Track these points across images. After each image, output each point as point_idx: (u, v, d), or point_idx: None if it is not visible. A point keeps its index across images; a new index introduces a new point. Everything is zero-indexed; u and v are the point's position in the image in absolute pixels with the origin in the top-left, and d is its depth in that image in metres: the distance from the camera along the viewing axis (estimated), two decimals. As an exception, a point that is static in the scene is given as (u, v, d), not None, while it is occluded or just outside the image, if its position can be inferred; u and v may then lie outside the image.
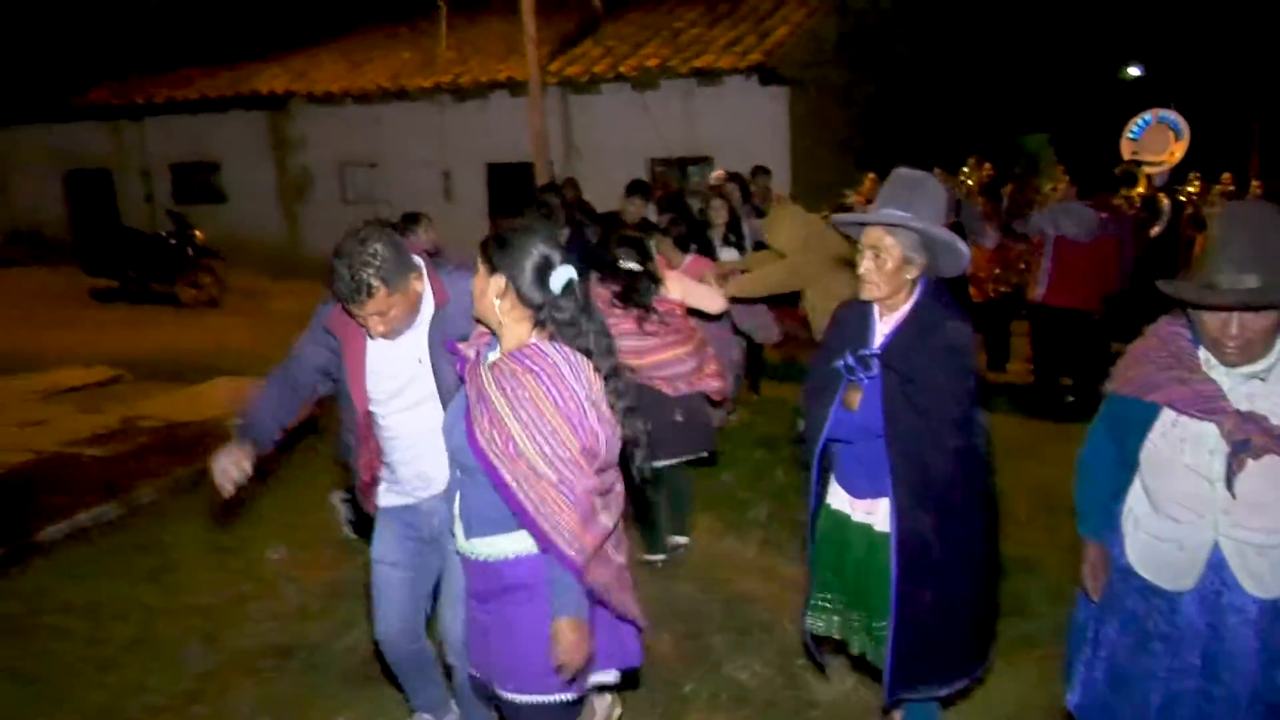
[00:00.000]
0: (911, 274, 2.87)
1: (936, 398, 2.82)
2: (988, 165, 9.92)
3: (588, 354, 2.46)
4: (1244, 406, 2.47)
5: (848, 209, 8.31)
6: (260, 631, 4.50)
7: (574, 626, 2.49)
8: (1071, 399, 7.82)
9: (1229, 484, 2.46)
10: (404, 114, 15.40)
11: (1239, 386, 2.49)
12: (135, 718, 3.85)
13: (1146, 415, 2.64)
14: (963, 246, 2.85)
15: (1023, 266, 8.46)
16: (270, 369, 3.30)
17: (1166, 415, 2.60)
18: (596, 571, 2.51)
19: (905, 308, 2.91)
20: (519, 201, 7.46)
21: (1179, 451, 2.58)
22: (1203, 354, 2.55)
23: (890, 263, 2.84)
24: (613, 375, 2.51)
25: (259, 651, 4.32)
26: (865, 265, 2.87)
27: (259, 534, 5.59)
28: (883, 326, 2.94)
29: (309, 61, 16.87)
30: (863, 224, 2.94)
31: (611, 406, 2.49)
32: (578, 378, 2.42)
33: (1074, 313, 7.55)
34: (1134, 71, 31.36)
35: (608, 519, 2.52)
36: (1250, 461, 2.43)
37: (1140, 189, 9.69)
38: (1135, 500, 2.77)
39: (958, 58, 19.00)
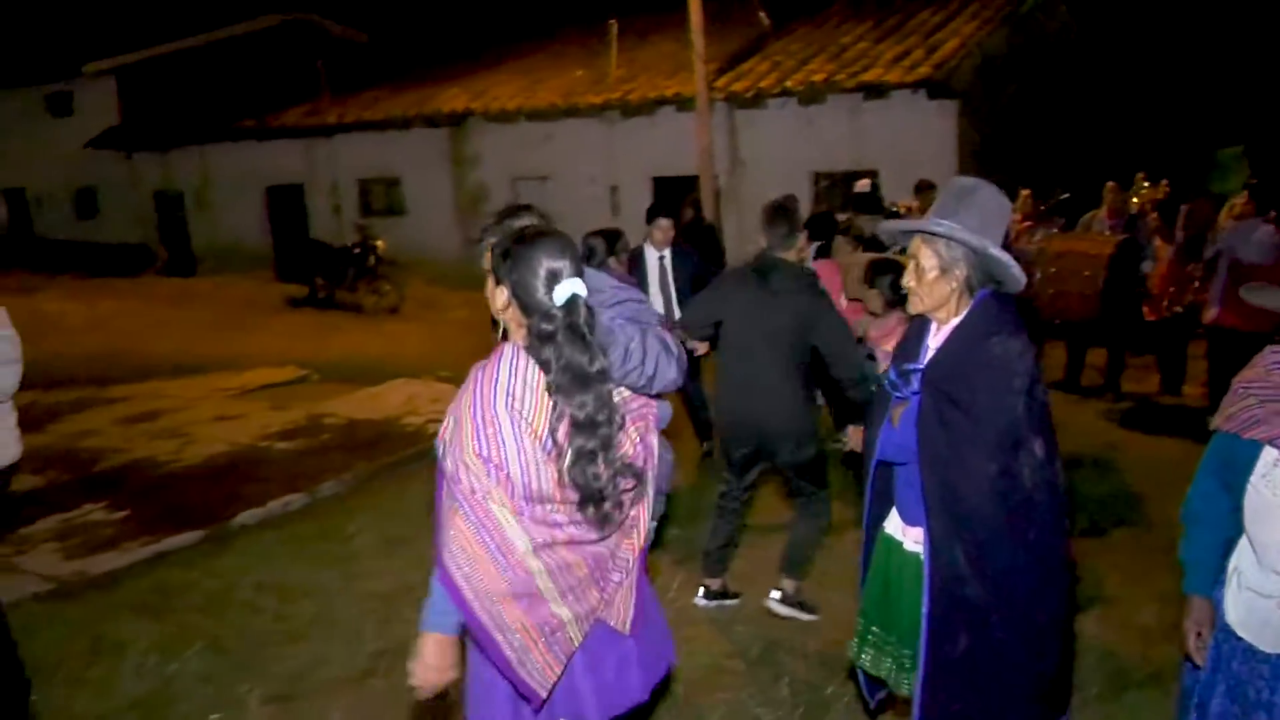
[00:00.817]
0: (953, 285, 2.63)
1: (970, 417, 2.54)
2: (1164, 183, 9.59)
3: (547, 369, 2.23)
4: None
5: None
6: (428, 617, 4.82)
7: (431, 642, 2.34)
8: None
9: None
10: (574, 130, 15.89)
11: None
12: (317, 687, 4.21)
13: (1249, 455, 2.42)
14: (1005, 256, 2.60)
15: (1196, 285, 8.14)
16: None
17: (1268, 454, 2.38)
18: (488, 597, 2.24)
19: (955, 321, 2.68)
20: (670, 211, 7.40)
21: None
22: None
23: (930, 273, 2.63)
24: (573, 407, 2.21)
25: (427, 635, 4.63)
26: (907, 276, 2.71)
27: (430, 527, 5.93)
28: (934, 341, 2.73)
29: (487, 80, 17.60)
30: (905, 231, 2.80)
31: (554, 440, 2.23)
32: (509, 388, 2.22)
33: (1250, 335, 7.20)
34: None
35: (520, 547, 2.23)
36: None
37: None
38: (1241, 553, 2.55)
39: (1143, 68, 18.24)
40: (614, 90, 15.40)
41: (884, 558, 2.88)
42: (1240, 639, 2.52)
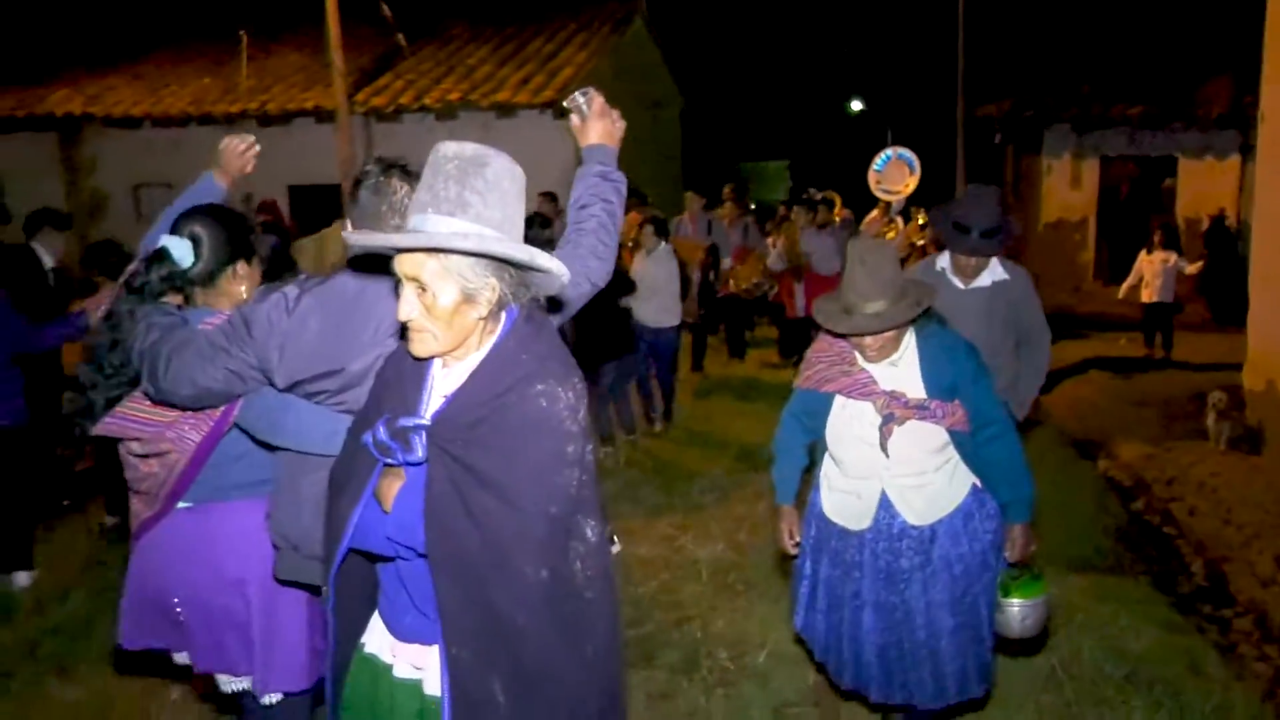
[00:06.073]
0: (480, 311, 1.90)
1: (511, 504, 1.87)
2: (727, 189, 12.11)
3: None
4: (888, 387, 3.15)
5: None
6: None
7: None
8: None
9: (883, 446, 3.16)
10: (205, 137, 15.84)
11: (882, 373, 3.19)
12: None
13: (823, 403, 3.28)
14: (552, 263, 1.88)
15: (768, 278, 10.32)
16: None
17: (838, 400, 3.25)
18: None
19: (477, 356, 1.96)
20: (322, 221, 7.38)
21: (849, 426, 3.22)
22: (856, 353, 3.21)
23: (446, 303, 1.87)
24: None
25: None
26: (407, 307, 1.88)
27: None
28: (443, 384, 1.99)
29: (102, 84, 17.02)
30: (396, 250, 1.89)
31: None
32: None
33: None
34: (857, 105, 35.39)
35: (140, 450, 2.74)
36: (896, 428, 3.13)
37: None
38: (828, 467, 3.39)
39: (718, 94, 21.60)
40: (249, 100, 15.72)
41: (369, 687, 2.17)
42: (835, 524, 3.34)
